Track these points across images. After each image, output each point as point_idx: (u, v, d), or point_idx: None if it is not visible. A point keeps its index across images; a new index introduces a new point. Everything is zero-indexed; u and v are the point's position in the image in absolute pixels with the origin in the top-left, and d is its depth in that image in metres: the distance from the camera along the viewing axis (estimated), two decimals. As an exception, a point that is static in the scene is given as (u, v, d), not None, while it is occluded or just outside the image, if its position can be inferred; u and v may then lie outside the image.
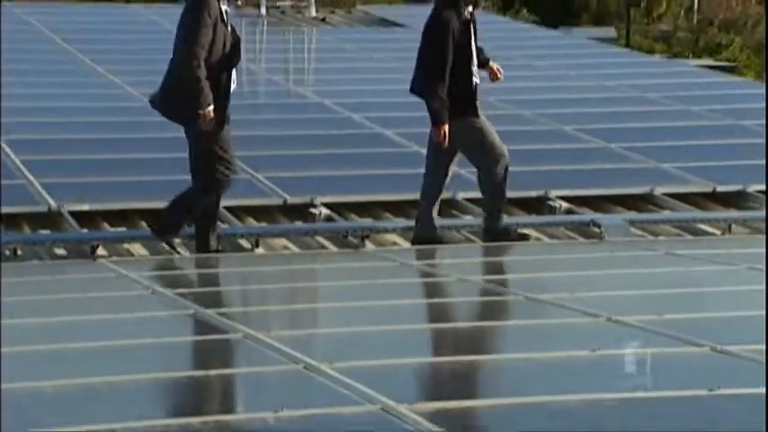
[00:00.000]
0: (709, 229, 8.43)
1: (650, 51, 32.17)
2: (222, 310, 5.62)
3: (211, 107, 7.22)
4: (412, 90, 7.85)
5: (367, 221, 8.46)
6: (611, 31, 34.07)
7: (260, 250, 7.89)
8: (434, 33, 7.55)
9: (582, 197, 8.91)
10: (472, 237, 8.28)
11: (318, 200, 8.57)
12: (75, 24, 16.96)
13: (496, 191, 7.72)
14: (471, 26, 7.64)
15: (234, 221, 8.26)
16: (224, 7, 7.35)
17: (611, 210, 8.82)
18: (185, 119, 7.37)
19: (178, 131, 10.65)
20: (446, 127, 7.59)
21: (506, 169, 7.73)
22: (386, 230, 8.21)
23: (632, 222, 8.32)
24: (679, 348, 4.66)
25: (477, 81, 7.74)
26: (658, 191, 8.99)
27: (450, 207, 8.80)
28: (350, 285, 6.56)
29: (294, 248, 7.99)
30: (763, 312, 5.04)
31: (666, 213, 8.67)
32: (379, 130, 10.76)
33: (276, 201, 8.66)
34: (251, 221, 8.49)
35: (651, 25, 43.08)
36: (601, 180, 9.23)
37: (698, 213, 8.61)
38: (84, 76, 13.33)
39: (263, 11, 18.37)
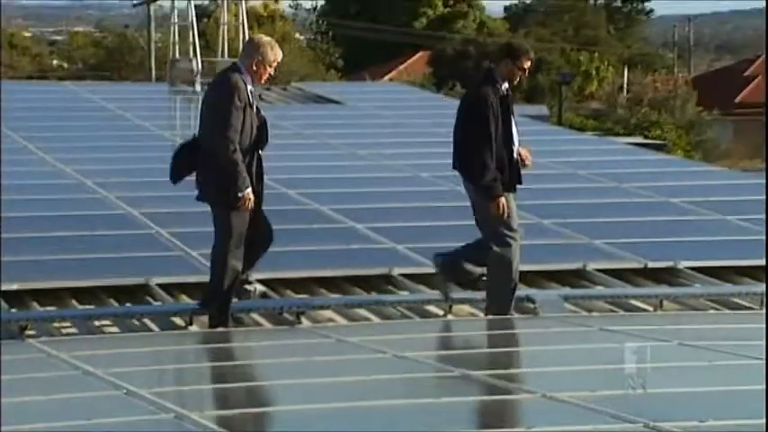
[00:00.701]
0: (642, 305, 8.49)
1: (582, 129, 32.68)
2: (155, 389, 5.53)
3: (249, 189, 7.33)
4: (455, 167, 7.92)
5: (303, 298, 8.42)
6: (543, 109, 34.55)
7: (194, 328, 7.81)
8: (474, 109, 7.70)
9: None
10: (408, 312, 8.27)
11: (253, 276, 8.52)
12: (7, 102, 16.83)
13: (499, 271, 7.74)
14: (508, 102, 7.79)
15: (167, 299, 8.17)
16: (250, 88, 7.43)
17: (545, 285, 8.86)
18: (218, 200, 7.41)
19: (111, 209, 10.61)
20: (502, 199, 7.66)
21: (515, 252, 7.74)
22: (321, 307, 8.17)
23: (566, 298, 8.37)
24: (613, 426, 4.65)
25: (516, 157, 7.85)
26: (591, 267, 9.05)
27: (386, 283, 8.80)
28: (285, 363, 6.49)
29: (229, 326, 7.91)
30: (696, 389, 5.06)
31: (599, 289, 8.73)
32: (315, 206, 10.76)
33: (210, 278, 8.59)
34: (184, 299, 8.41)
35: (582, 103, 43.82)
36: (535, 256, 9.26)
37: (630, 289, 8.68)
38: (14, 154, 13.20)
39: (198, 87, 18.38)
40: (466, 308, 8.40)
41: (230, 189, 7.28)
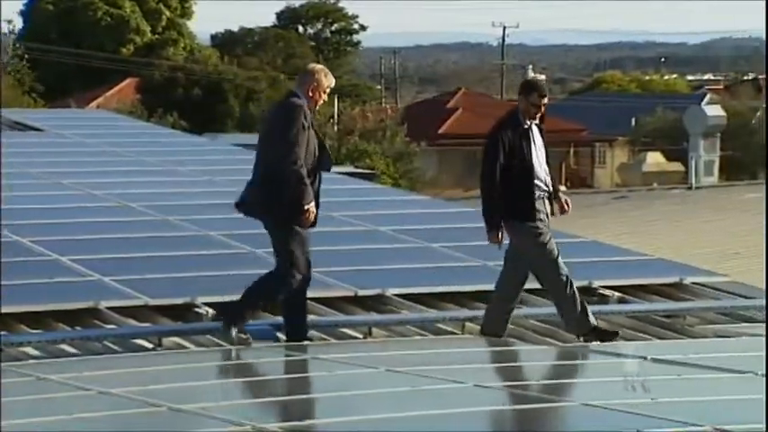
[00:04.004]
0: (352, 333, 8.57)
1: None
2: None
3: (313, 204, 7.76)
4: None
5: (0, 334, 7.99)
6: (256, 138, 34.43)
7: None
8: (486, 146, 8.16)
9: (228, 303, 8.83)
10: (115, 347, 8.00)
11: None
12: None
13: (558, 293, 8.05)
14: (528, 137, 8.04)
15: None
16: (309, 113, 7.88)
17: (258, 315, 8.78)
18: (276, 216, 7.81)
19: None
20: (496, 231, 8.01)
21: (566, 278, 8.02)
22: (21, 344, 7.79)
23: (278, 328, 8.33)
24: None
25: (546, 188, 8.08)
26: (302, 296, 9.04)
27: (92, 317, 8.50)
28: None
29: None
30: (400, 414, 5.11)
31: (311, 318, 8.73)
32: (15, 239, 10.28)
33: None
34: None
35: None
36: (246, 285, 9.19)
37: (341, 317, 8.75)
38: None
39: None
40: (176, 340, 8.23)
41: (296, 203, 7.69)
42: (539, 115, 8.17)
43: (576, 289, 8.07)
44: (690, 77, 78.74)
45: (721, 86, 64.92)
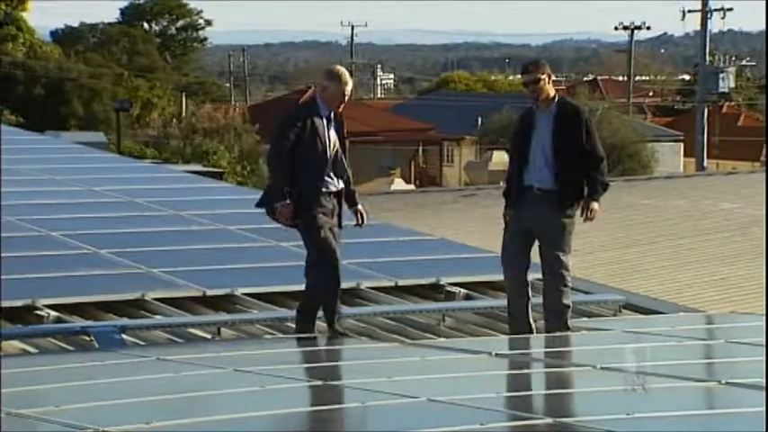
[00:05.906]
0: (200, 333, 8.50)
1: (141, 156, 32.53)
2: None
3: (283, 203, 7.95)
4: None
5: None
6: (101, 136, 34.01)
7: None
8: None
9: (72, 305, 8.68)
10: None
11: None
12: None
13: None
14: (531, 121, 8.14)
15: None
16: (323, 112, 7.94)
17: (102, 317, 8.65)
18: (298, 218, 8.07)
19: None
20: (506, 213, 8.25)
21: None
22: None
23: (124, 329, 8.21)
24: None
25: (534, 182, 8.04)
26: (150, 296, 8.95)
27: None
28: None
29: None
30: (246, 414, 5.09)
31: (158, 318, 8.64)
32: None
33: None
34: None
35: (141, 131, 43.64)
36: (91, 287, 9.04)
37: (189, 318, 8.67)
38: None
39: None
40: (16, 343, 8.03)
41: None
42: (543, 97, 8.07)
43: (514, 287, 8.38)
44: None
45: (563, 87, 66.51)
